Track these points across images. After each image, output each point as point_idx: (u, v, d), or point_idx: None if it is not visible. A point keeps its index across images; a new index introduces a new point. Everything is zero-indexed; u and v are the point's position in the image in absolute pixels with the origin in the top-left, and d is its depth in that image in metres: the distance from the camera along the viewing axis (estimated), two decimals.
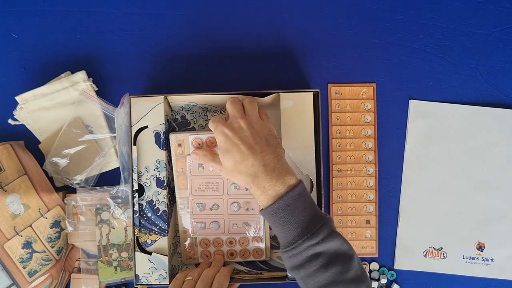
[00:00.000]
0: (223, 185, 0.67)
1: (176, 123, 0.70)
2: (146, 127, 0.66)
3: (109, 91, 0.74)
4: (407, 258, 0.72)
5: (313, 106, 0.66)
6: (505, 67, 0.74)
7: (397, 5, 0.75)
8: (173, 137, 0.66)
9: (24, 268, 0.68)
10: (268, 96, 0.67)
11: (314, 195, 0.65)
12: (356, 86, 0.74)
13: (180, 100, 0.68)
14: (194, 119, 0.70)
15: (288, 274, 0.65)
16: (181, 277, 0.63)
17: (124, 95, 0.68)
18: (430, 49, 0.74)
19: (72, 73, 0.72)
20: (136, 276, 0.65)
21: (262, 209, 0.57)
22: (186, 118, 0.70)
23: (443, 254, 0.72)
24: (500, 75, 0.74)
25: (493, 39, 0.74)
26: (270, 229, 0.68)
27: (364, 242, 0.73)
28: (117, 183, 0.72)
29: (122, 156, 0.69)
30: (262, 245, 0.69)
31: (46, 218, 0.70)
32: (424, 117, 0.73)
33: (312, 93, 0.66)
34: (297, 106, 0.66)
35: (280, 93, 0.66)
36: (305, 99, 0.66)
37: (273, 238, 0.70)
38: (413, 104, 0.74)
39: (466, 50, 0.74)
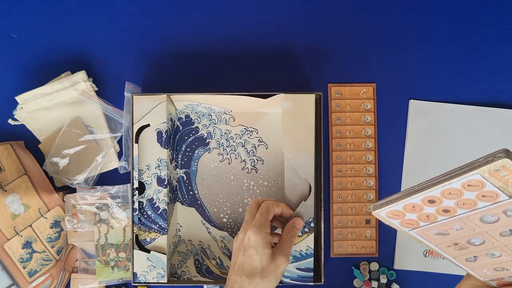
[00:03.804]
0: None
1: (180, 122, 0.71)
2: (148, 125, 0.66)
3: (109, 91, 0.74)
4: (407, 258, 0.72)
5: (315, 109, 0.66)
6: (505, 67, 0.74)
7: (397, 5, 0.75)
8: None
9: (24, 268, 0.68)
10: (270, 98, 0.67)
11: (312, 198, 0.65)
12: (356, 86, 0.74)
13: (184, 99, 0.69)
14: (198, 118, 0.70)
15: (282, 279, 0.65)
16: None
17: (128, 83, 0.69)
18: (430, 49, 0.74)
19: (72, 73, 0.72)
20: (134, 274, 0.66)
21: None
22: (190, 117, 0.71)
23: None
24: (500, 75, 0.74)
25: (493, 39, 0.74)
26: None
27: (364, 242, 0.73)
28: (117, 183, 0.72)
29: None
30: None
31: (46, 218, 0.70)
32: (424, 117, 0.73)
33: (314, 95, 0.66)
34: (298, 108, 0.66)
35: (281, 94, 0.66)
36: (307, 101, 0.66)
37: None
38: (413, 104, 0.74)
39: (466, 50, 0.74)
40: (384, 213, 0.43)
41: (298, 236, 0.64)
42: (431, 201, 0.40)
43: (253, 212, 0.59)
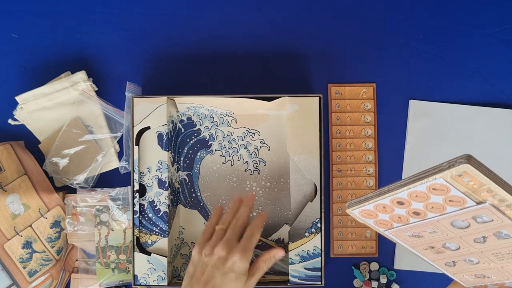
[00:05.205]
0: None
1: (182, 124, 0.71)
2: (149, 127, 0.66)
3: (109, 91, 0.74)
4: (407, 258, 0.72)
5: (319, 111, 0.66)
6: (505, 67, 0.74)
7: (397, 5, 0.75)
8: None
9: (24, 268, 0.68)
10: (274, 100, 0.67)
11: (318, 199, 0.65)
12: (356, 86, 0.74)
13: (185, 101, 0.68)
14: (200, 120, 0.70)
15: (291, 279, 0.65)
16: (212, 225, 0.60)
17: (128, 83, 0.68)
18: (430, 49, 0.74)
19: (72, 73, 0.72)
20: (135, 276, 0.66)
21: None
22: (192, 120, 0.71)
23: None
24: (500, 75, 0.74)
25: (493, 39, 0.74)
26: None
27: (364, 242, 0.73)
28: (117, 184, 0.72)
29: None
30: None
31: (46, 218, 0.69)
32: (424, 117, 0.73)
33: (318, 97, 0.66)
34: (303, 110, 0.66)
35: (287, 97, 0.66)
36: (311, 103, 0.66)
37: (276, 241, 0.70)
38: (413, 104, 0.74)
39: (466, 50, 0.74)
40: (358, 212, 0.44)
41: (305, 236, 0.65)
42: (400, 203, 0.40)
43: (238, 231, 0.58)
